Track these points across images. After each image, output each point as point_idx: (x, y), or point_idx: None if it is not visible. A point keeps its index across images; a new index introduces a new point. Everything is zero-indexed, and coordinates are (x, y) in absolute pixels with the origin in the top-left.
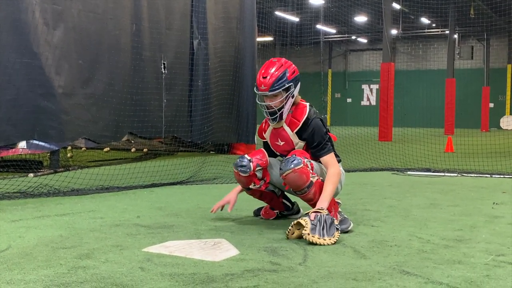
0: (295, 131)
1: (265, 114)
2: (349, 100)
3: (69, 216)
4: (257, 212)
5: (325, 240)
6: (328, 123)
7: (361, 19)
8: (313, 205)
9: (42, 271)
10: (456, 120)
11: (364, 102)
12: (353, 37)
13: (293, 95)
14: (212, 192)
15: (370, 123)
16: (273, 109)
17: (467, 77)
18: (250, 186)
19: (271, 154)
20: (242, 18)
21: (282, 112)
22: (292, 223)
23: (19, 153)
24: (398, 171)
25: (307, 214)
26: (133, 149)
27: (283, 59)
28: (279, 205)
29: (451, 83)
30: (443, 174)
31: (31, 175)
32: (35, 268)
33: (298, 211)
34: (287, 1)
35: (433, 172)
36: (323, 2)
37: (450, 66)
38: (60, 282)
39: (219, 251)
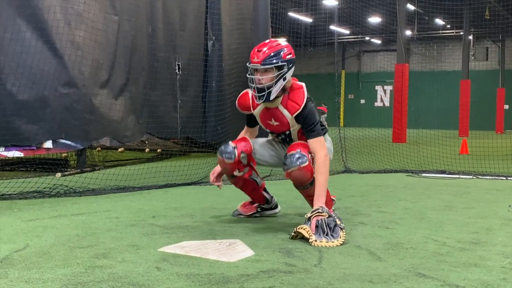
0: (294, 115)
1: (251, 89)
2: (362, 101)
3: (85, 215)
4: (236, 213)
5: (333, 242)
6: (342, 124)
7: (375, 20)
8: (311, 201)
9: (59, 270)
10: (470, 122)
11: (378, 104)
12: (367, 38)
13: (285, 78)
14: (226, 193)
15: (384, 124)
16: (262, 85)
17: (482, 79)
18: (234, 173)
19: (253, 125)
20: (256, 19)
21: (271, 92)
22: (295, 229)
23: (46, 152)
24: (412, 173)
25: (308, 220)
26: (147, 150)
27: (283, 40)
28: (259, 196)
29: (466, 85)
30: (458, 176)
31: (59, 174)
32: (52, 267)
33: (276, 206)
34: (301, 2)
35: (448, 174)
36: (337, 3)
37: (465, 67)
38: (77, 281)
39: (234, 251)
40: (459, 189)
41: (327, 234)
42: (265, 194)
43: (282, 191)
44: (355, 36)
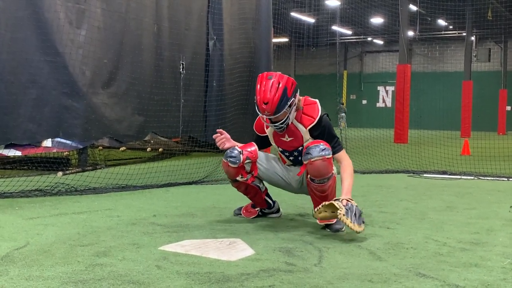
0: (308, 127)
1: (271, 127)
2: (364, 101)
3: (86, 214)
4: (237, 212)
5: (355, 226)
6: (343, 125)
7: (377, 20)
8: (320, 198)
9: (60, 268)
10: (472, 123)
11: (380, 104)
12: (369, 39)
13: (295, 103)
14: (227, 192)
15: (386, 125)
16: (280, 125)
17: (484, 80)
18: (237, 178)
19: (262, 147)
20: (258, 19)
21: (288, 122)
22: (324, 203)
23: (45, 151)
24: (414, 173)
25: (337, 200)
26: (148, 149)
27: (278, 74)
28: (261, 201)
29: (468, 86)
30: (459, 177)
31: (60, 173)
32: (53, 265)
33: (278, 210)
34: (303, 2)
35: (450, 174)
36: (339, 3)
37: (467, 68)
38: (77, 279)
39: (234, 250)
40: (460, 189)
41: (354, 215)
42: (268, 199)
43: (283, 190)
44: (357, 37)
